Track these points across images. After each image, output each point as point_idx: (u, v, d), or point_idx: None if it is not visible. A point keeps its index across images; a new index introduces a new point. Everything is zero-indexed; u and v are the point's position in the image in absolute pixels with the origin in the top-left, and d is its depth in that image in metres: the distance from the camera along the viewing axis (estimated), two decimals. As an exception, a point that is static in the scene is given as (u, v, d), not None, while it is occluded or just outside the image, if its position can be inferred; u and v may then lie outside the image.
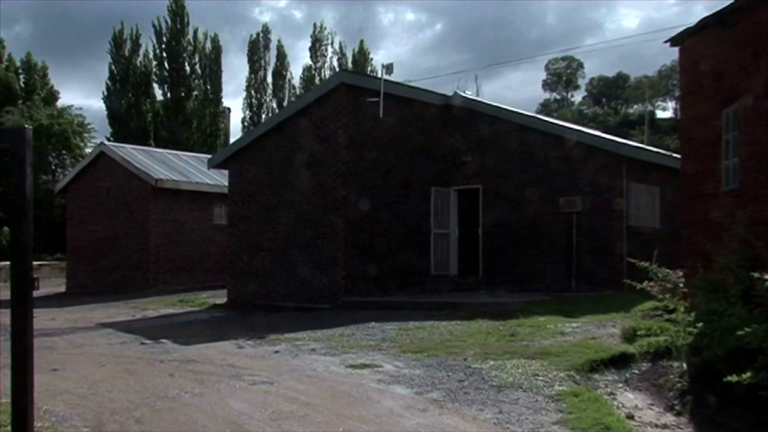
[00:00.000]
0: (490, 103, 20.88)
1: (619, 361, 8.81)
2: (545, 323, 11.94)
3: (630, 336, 9.72)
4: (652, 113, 70.34)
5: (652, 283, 9.46)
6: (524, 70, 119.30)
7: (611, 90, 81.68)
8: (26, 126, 3.88)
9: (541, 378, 8.12)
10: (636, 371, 8.61)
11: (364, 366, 9.35)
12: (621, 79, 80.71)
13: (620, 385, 8.15)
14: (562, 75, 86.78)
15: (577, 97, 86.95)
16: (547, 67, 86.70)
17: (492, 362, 9.05)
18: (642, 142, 33.89)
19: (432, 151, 20.07)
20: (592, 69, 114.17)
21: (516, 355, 9.30)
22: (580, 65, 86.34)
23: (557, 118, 44.13)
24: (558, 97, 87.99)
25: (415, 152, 19.63)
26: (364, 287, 18.03)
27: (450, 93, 21.00)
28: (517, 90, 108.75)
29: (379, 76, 18.92)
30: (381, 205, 18.61)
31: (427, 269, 19.74)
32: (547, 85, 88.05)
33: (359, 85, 18.59)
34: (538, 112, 56.36)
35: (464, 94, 21.55)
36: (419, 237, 19.59)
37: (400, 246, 19.02)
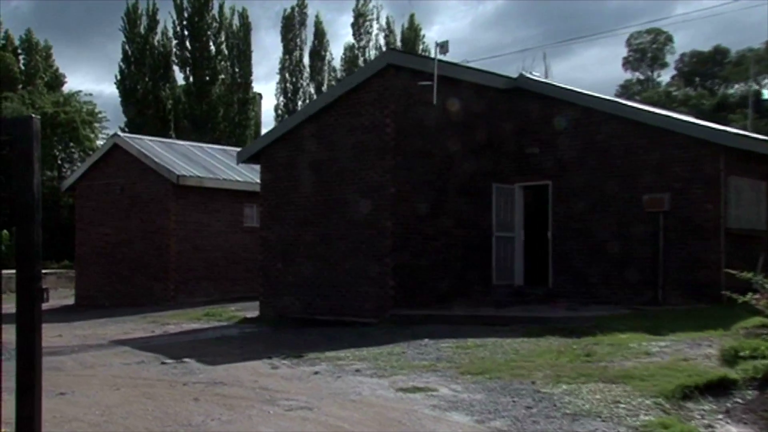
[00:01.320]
0: (561, 85, 20.71)
1: (717, 388, 8.66)
2: (627, 341, 11.80)
3: (731, 358, 9.55)
4: (758, 93, 68.74)
5: (757, 296, 9.29)
6: (601, 47, 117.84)
7: (706, 67, 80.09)
8: (33, 115, 3.94)
9: (623, 406, 8.02)
10: (739, 400, 8.45)
11: (416, 389, 9.35)
12: (719, 53, 79.06)
13: (720, 416, 8.00)
14: (647, 51, 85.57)
15: (665, 76, 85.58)
16: (628, 42, 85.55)
17: (565, 386, 8.97)
18: (745, 128, 33.29)
19: (494, 141, 19.99)
20: (684, 43, 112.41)
21: (593, 379, 9.21)
22: (669, 39, 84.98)
23: (640, 101, 43.55)
24: (641, 77, 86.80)
25: (473, 143, 19.57)
26: (416, 299, 18.03)
27: (515, 74, 20.90)
28: (592, 70, 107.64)
29: (433, 55, 18.90)
30: (435, 204, 18.60)
31: (488, 278, 19.66)
32: (628, 64, 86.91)
33: (409, 66, 18.60)
34: (617, 95, 55.69)
35: (531, 76, 21.43)
36: (479, 241, 19.51)
37: (456, 251, 18.99)
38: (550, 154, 19.60)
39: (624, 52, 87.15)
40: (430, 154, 18.63)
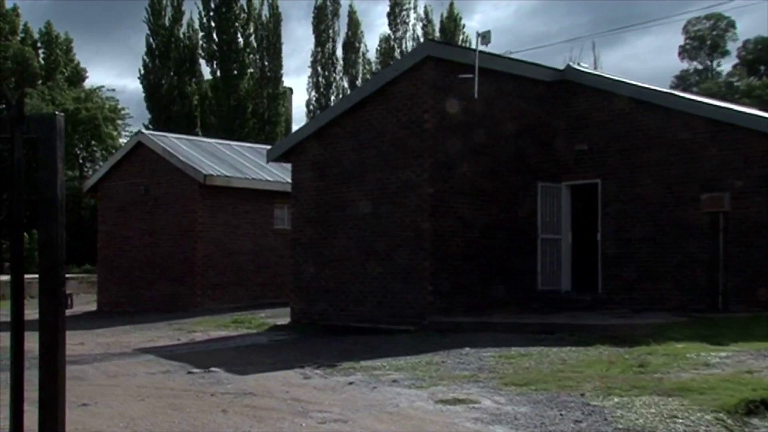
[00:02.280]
0: (611, 77, 20.60)
1: (786, 403, 8.55)
2: (684, 351, 11.71)
3: (800, 370, 9.44)
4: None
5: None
6: (655, 35, 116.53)
7: (773, 54, 78.78)
8: (57, 113, 3.99)
9: (680, 421, 7.95)
10: (811, 416, 8.33)
11: (457, 401, 9.34)
12: (788, 38, 77.69)
13: (788, 433, 7.90)
14: (706, 38, 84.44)
15: (726, 65, 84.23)
16: (685, 29, 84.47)
17: (616, 399, 8.92)
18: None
19: (539, 138, 19.92)
20: (747, 28, 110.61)
21: (647, 391, 9.14)
22: (731, 24, 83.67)
23: (698, 93, 43.16)
24: (699, 66, 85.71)
25: (517, 140, 19.52)
26: (456, 305, 18.02)
27: (561, 66, 20.83)
28: (646, 60, 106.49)
29: (474, 46, 18.88)
30: (476, 205, 18.57)
31: (532, 283, 19.60)
32: (685, 52, 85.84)
33: (449, 58, 18.58)
34: (673, 87, 55.19)
35: (579, 67, 21.33)
36: (523, 244, 19.46)
37: (499, 255, 18.94)
38: (600, 151, 19.47)
39: (680, 40, 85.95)
40: (471, 151, 18.60)
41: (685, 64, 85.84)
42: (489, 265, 18.74)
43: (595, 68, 26.74)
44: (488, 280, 18.68)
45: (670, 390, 9.11)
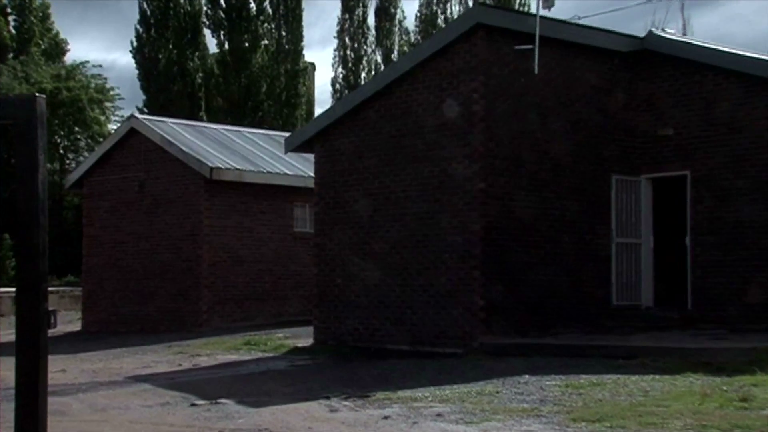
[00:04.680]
0: (704, 44, 20.44)
1: None
2: (796, 382, 11.60)
3: None
4: None
5: None
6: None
7: None
8: (37, 94, 3.98)
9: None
10: None
11: (515, 442, 9.33)
12: None
13: None
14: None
15: None
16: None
17: (712, 440, 8.86)
18: None
19: (613, 121, 19.83)
20: None
21: (752, 431, 9.06)
22: None
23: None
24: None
25: (586, 124, 19.46)
26: (512, 323, 17.99)
27: (642, 33, 20.71)
28: (749, 23, 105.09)
29: (534, 11, 18.83)
30: (536, 203, 18.52)
31: (605, 297, 19.52)
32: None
33: (504, 26, 18.56)
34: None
35: (664, 34, 21.18)
36: (594, 250, 19.39)
37: (565, 263, 18.88)
38: (690, 136, 19.31)
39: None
40: (531, 138, 18.55)
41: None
42: (553, 276, 18.67)
43: (684, 34, 26.51)
44: (552, 293, 18.62)
45: (780, 430, 9.03)
